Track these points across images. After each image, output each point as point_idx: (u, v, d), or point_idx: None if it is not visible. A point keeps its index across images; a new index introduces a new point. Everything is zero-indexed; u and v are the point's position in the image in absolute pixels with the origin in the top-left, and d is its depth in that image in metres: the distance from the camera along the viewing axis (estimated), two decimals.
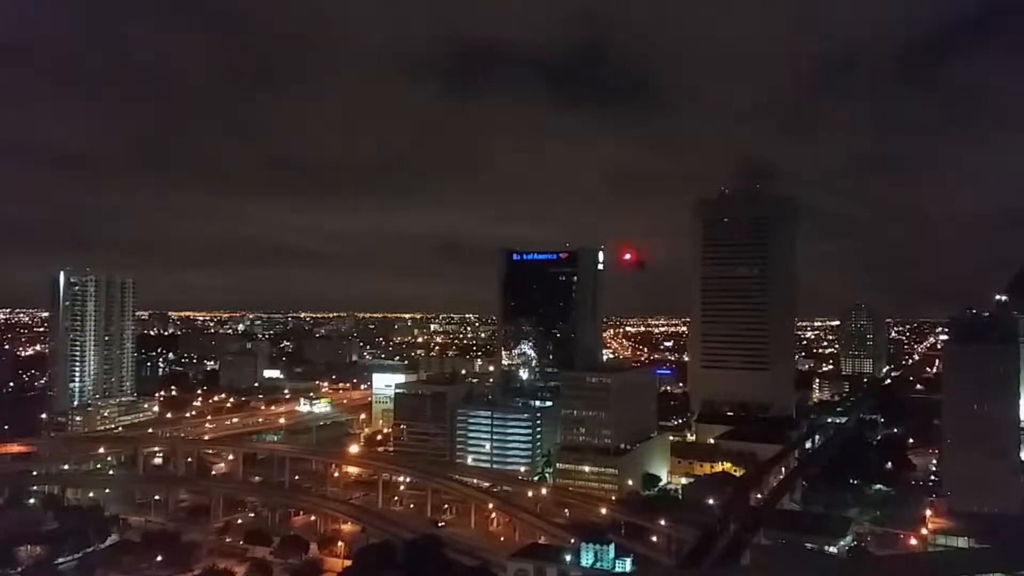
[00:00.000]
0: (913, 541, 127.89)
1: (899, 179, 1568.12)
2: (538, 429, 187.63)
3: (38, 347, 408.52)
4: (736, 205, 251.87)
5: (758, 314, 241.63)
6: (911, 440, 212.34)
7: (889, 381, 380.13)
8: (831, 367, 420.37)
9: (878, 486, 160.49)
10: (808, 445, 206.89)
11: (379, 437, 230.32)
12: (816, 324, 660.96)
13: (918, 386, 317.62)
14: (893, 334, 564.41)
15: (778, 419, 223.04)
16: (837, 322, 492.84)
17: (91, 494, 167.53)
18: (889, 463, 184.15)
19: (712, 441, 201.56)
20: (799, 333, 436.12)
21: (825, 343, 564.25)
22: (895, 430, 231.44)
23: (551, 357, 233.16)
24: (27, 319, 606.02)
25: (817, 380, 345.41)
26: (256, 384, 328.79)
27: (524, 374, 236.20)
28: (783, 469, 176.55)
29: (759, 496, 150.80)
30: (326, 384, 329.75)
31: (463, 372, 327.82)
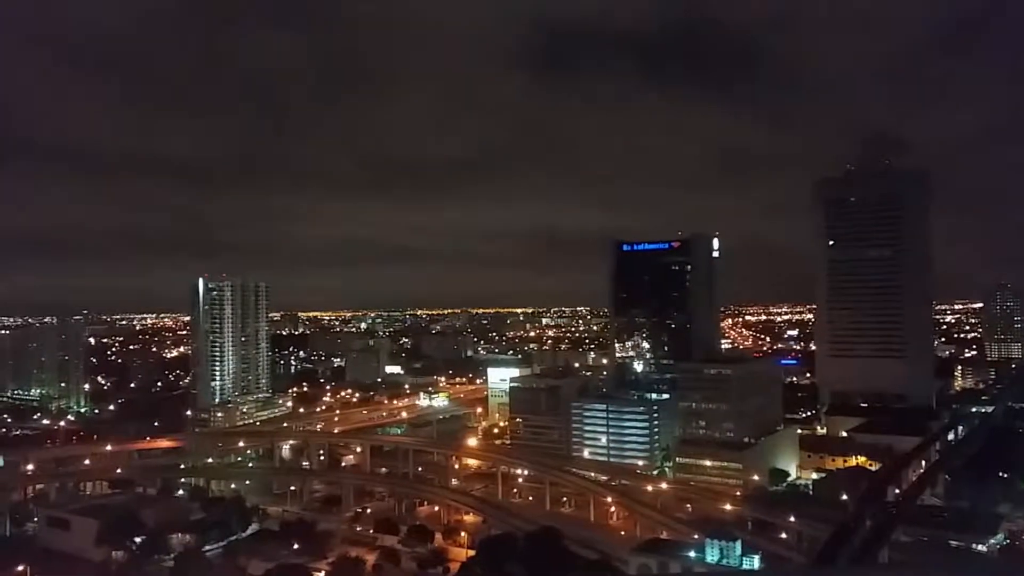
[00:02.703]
0: None
1: None
2: (655, 422, 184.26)
3: (181, 349, 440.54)
4: (863, 182, 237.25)
5: (891, 298, 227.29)
6: None
7: None
8: (974, 353, 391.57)
9: None
10: (950, 437, 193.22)
11: (496, 430, 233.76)
12: (956, 307, 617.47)
13: None
14: None
15: (916, 410, 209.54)
16: (980, 304, 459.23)
17: (233, 485, 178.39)
18: None
19: (844, 434, 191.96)
20: (938, 317, 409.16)
21: (967, 327, 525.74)
22: None
23: (666, 349, 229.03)
24: (171, 323, 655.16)
25: (959, 367, 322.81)
26: (379, 379, 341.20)
27: (639, 366, 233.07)
28: (923, 462, 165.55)
29: (897, 491, 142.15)
30: (443, 379, 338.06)
31: (576, 365, 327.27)
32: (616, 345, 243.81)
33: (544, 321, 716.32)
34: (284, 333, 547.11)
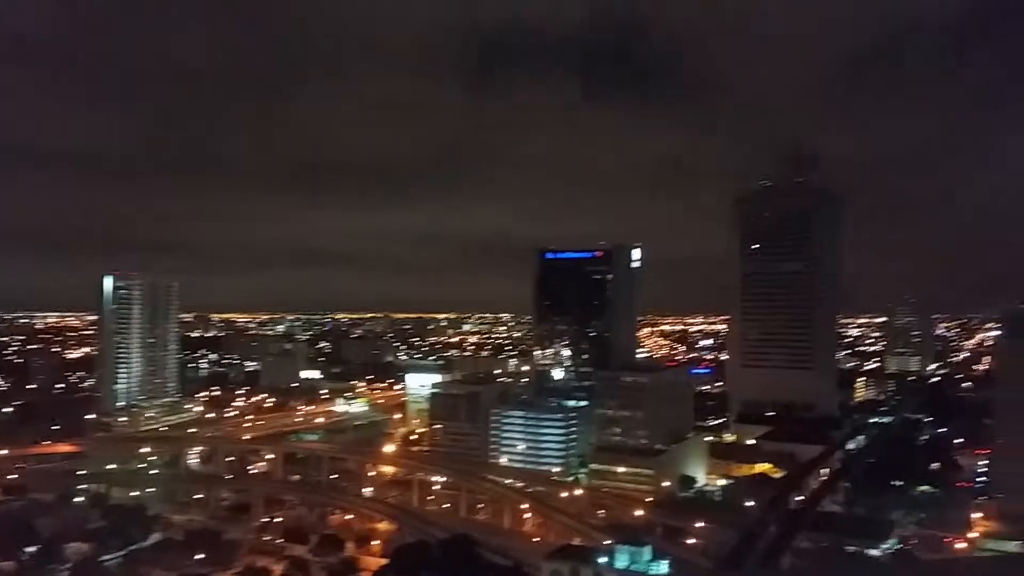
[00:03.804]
0: (961, 544, 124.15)
1: (949, 168, 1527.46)
2: (572, 429, 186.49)
3: (86, 350, 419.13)
4: (778, 198, 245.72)
5: (801, 311, 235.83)
6: (959, 440, 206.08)
7: (936, 379, 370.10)
8: (876, 365, 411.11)
9: (923, 487, 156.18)
10: (851, 446, 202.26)
11: (414, 437, 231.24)
12: (860, 321, 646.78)
13: (966, 384, 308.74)
14: (941, 331, 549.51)
15: (820, 419, 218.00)
16: (883, 319, 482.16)
17: (135, 493, 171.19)
18: (935, 464, 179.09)
19: (751, 442, 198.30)
20: (842, 331, 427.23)
21: (870, 340, 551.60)
22: (942, 430, 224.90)
23: (586, 356, 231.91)
24: (75, 322, 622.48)
25: (862, 379, 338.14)
26: (295, 384, 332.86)
27: (558, 374, 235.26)
28: (825, 470, 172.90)
29: (799, 498, 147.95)
30: (362, 384, 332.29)
31: (497, 372, 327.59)
32: (537, 352, 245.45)
33: (466, 327, 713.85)
34: (195, 335, 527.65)
